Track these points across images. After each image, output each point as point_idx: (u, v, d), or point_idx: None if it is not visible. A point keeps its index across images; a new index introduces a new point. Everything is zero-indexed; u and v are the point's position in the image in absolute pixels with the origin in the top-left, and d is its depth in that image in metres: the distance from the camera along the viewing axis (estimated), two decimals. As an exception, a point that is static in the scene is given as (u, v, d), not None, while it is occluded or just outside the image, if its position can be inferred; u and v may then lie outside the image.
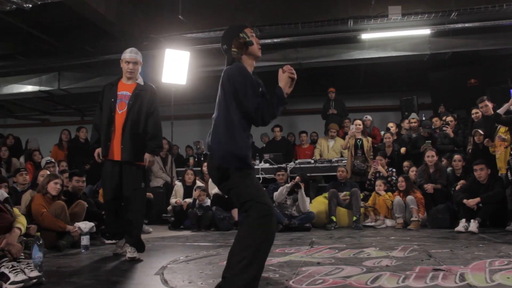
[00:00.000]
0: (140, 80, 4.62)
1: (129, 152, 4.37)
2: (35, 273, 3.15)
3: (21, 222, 3.59)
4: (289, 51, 10.20)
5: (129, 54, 4.54)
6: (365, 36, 8.95)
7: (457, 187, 6.83)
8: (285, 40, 9.12)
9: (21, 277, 3.05)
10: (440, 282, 3.02)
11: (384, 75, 11.84)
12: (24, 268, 3.14)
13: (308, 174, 8.13)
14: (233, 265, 2.45)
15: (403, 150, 8.51)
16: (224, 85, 2.70)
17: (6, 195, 4.41)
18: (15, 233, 3.42)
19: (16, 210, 3.87)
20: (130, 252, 4.30)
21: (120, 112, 4.44)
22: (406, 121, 9.44)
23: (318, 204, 7.49)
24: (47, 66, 10.67)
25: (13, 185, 6.76)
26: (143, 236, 6.40)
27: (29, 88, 11.85)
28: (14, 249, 3.28)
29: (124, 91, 4.52)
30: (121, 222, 4.50)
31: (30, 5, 6.42)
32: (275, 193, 6.99)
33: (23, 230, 3.60)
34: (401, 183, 7.10)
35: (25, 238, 3.59)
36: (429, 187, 7.07)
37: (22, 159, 9.05)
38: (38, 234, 4.31)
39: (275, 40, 9.05)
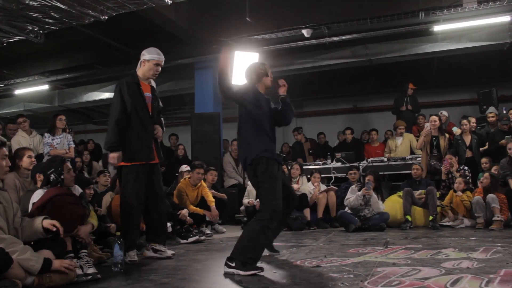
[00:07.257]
0: (153, 82, 4.64)
1: (159, 153, 4.45)
2: (92, 270, 3.41)
3: (94, 218, 3.95)
4: (358, 48, 9.96)
5: (162, 56, 4.58)
6: (437, 28, 8.52)
7: None
8: (354, 36, 8.91)
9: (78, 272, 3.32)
10: (529, 286, 2.83)
11: (459, 68, 11.25)
12: (83, 265, 3.43)
13: (381, 173, 7.93)
14: None
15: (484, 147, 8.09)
16: None
17: (80, 190, 4.73)
18: (88, 227, 3.78)
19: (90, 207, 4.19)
20: (167, 251, 4.49)
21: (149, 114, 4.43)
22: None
23: (392, 203, 7.27)
24: (122, 73, 11.14)
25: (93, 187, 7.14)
26: (217, 236, 6.58)
27: (106, 95, 12.44)
28: (83, 233, 3.66)
29: (147, 92, 4.48)
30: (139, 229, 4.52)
31: (106, 17, 6.76)
32: (349, 200, 6.80)
33: (95, 225, 3.96)
34: (486, 180, 6.71)
35: (111, 238, 3.85)
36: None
37: (100, 162, 9.55)
38: (119, 233, 4.51)
39: (343, 37, 8.87)
